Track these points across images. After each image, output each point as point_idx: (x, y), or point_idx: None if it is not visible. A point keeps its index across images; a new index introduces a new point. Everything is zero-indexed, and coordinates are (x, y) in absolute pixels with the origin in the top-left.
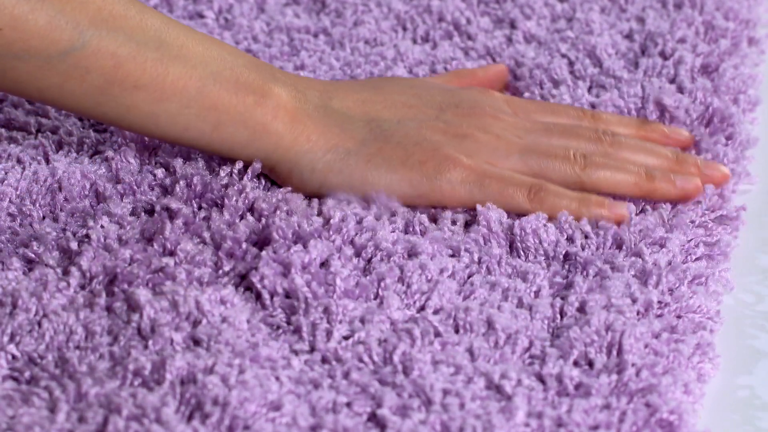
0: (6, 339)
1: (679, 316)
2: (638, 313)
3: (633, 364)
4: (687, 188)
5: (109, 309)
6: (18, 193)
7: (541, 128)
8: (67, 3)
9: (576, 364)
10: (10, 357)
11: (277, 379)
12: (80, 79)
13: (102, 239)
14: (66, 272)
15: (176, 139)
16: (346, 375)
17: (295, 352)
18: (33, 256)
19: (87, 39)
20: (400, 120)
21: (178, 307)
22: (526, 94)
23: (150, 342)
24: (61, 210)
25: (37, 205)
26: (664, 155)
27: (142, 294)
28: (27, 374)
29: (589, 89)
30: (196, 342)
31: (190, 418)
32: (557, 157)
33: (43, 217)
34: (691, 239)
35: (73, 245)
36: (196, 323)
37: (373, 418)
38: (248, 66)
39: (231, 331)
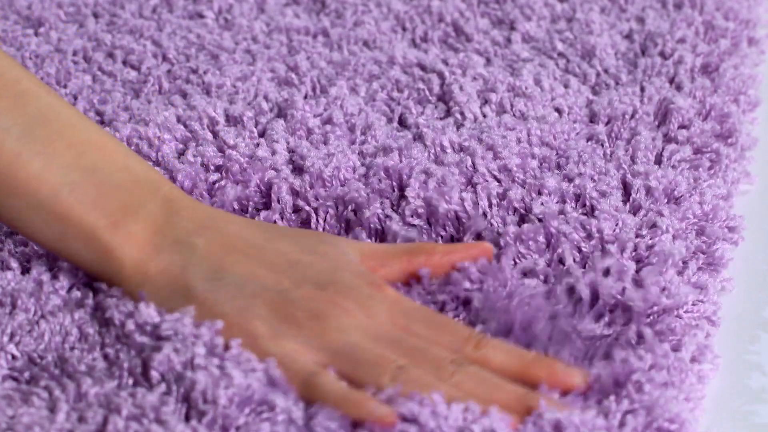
0: (6, 339)
1: (678, 317)
2: (637, 315)
3: (633, 368)
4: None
5: (97, 309)
6: None
7: (389, 336)
8: None
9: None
10: (10, 357)
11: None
12: None
13: None
14: (56, 274)
15: (28, 237)
16: None
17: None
18: (31, 255)
19: None
20: (247, 280)
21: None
22: (526, 98)
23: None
24: None
25: None
26: (507, 392)
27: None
28: (27, 374)
29: (592, 89)
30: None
31: (187, 417)
32: (368, 362)
33: None
34: (691, 243)
35: None
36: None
37: None
38: (122, 182)
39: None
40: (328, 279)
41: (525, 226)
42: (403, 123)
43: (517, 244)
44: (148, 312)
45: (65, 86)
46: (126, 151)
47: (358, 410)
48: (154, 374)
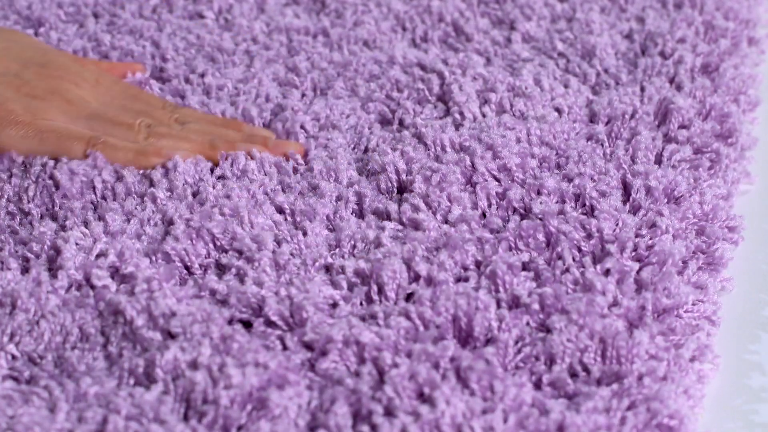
0: (6, 339)
1: (678, 317)
2: (638, 317)
3: (633, 369)
4: (252, 148)
5: (98, 309)
6: (17, 191)
7: (116, 102)
8: None
9: (574, 367)
10: (10, 357)
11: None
12: None
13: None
14: (55, 273)
15: None
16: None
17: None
18: (31, 255)
19: None
20: None
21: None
22: (526, 97)
23: (136, 341)
24: (60, 208)
25: (36, 203)
26: (229, 134)
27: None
28: (27, 374)
29: (592, 88)
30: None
31: (185, 416)
32: (121, 125)
33: (41, 216)
34: (691, 243)
35: (61, 244)
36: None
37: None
38: None
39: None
40: (43, 60)
41: (524, 222)
42: (402, 123)
43: (517, 240)
44: (166, 303)
45: None
46: None
47: (158, 155)
48: (159, 373)
